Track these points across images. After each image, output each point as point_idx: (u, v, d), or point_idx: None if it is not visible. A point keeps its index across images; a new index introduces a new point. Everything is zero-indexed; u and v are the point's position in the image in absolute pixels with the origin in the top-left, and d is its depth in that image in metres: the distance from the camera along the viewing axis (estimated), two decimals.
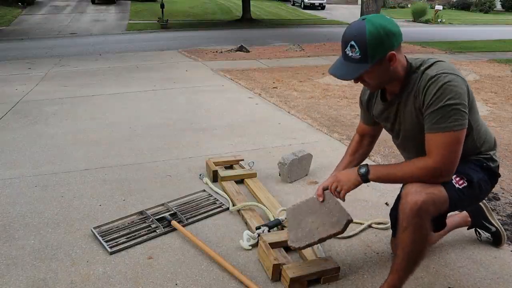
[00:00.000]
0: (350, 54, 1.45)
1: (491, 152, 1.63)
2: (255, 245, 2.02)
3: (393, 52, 1.43)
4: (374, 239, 2.14)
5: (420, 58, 1.55)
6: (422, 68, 1.49)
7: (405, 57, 1.53)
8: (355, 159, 1.87)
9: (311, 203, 1.82)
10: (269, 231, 2.06)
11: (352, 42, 1.42)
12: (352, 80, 1.50)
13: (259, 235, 2.01)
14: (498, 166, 1.66)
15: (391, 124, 1.67)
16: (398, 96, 1.57)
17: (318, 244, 1.90)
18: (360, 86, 2.70)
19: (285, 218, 2.18)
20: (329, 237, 1.67)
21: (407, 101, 1.54)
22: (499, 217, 2.33)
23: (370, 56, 1.42)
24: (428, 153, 1.45)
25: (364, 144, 1.89)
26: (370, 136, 1.89)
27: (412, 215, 1.43)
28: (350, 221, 1.64)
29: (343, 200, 1.68)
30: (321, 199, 1.75)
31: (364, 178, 1.59)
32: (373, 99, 1.72)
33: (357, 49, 1.42)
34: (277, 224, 2.14)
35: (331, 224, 1.66)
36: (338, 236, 1.79)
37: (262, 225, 2.10)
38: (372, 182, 1.59)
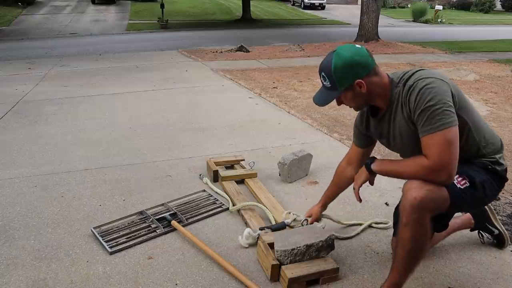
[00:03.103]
0: (324, 83, 1.62)
1: (497, 156, 1.61)
2: (254, 245, 2.02)
3: (360, 80, 1.54)
4: (374, 239, 2.14)
5: (402, 71, 1.61)
6: (403, 81, 1.56)
7: (387, 74, 1.61)
8: (338, 190, 2.02)
9: (297, 229, 2.01)
10: None
11: (323, 73, 1.60)
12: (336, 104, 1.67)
13: (259, 235, 2.01)
14: (505, 170, 1.63)
15: (386, 139, 1.71)
16: (386, 111, 1.63)
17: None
18: None
19: (290, 221, 2.17)
20: (314, 246, 1.81)
21: (396, 114, 1.59)
22: (499, 217, 2.33)
23: (338, 85, 1.57)
24: (426, 156, 1.46)
25: (347, 172, 1.94)
26: (357, 163, 1.90)
27: (411, 210, 1.45)
28: (332, 237, 1.86)
29: (359, 199, 1.80)
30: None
31: (368, 168, 1.69)
32: (369, 121, 1.77)
33: (327, 79, 1.59)
34: (282, 227, 2.11)
35: (316, 237, 1.85)
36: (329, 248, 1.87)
37: (266, 227, 2.09)
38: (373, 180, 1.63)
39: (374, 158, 1.70)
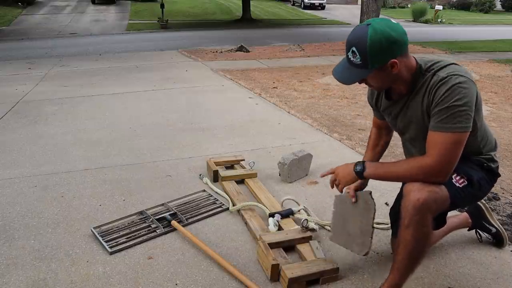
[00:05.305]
0: (352, 59, 1.47)
1: (492, 153, 1.65)
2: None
3: (395, 60, 1.43)
4: (374, 239, 2.13)
5: (431, 59, 1.55)
6: (433, 70, 1.49)
7: (415, 58, 1.53)
8: (378, 153, 1.93)
9: (352, 205, 1.79)
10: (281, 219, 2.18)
11: (354, 48, 1.44)
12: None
13: (278, 221, 2.15)
14: (498, 167, 1.67)
15: (394, 120, 1.68)
16: (404, 96, 1.58)
17: (318, 245, 1.99)
18: (360, 88, 2.65)
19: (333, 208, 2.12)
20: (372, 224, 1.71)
21: (413, 102, 1.54)
22: (499, 217, 2.33)
23: (370, 63, 1.43)
24: (427, 152, 1.45)
25: (383, 134, 1.93)
26: (386, 127, 1.90)
27: (414, 212, 1.44)
28: (367, 253, 1.74)
29: (355, 200, 1.74)
30: (354, 200, 1.73)
31: (360, 175, 1.61)
32: (380, 98, 1.74)
33: (358, 55, 1.43)
34: (289, 214, 2.22)
35: (357, 244, 1.76)
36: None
37: (275, 213, 2.18)
38: (371, 181, 1.60)
39: (363, 163, 1.61)
